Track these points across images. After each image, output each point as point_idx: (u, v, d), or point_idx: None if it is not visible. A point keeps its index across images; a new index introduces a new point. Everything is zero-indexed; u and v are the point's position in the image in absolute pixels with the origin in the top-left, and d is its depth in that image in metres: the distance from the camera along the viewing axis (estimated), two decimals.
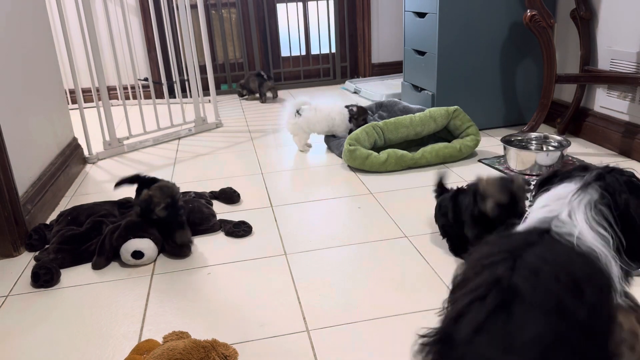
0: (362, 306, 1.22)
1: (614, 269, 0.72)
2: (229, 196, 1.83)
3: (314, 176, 2.06)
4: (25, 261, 1.53)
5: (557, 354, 0.60)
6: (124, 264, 1.48)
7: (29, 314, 1.27)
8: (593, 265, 0.71)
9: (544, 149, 2.04)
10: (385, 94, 3.15)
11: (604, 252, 0.72)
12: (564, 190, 0.80)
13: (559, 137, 2.03)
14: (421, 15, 2.50)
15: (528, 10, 2.13)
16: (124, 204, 1.77)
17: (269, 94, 3.47)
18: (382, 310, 1.20)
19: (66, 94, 2.95)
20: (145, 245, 1.46)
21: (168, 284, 1.37)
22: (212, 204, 1.80)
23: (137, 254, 1.44)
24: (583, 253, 0.71)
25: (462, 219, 1.35)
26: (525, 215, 0.86)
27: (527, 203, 1.26)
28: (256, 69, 3.80)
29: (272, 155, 2.34)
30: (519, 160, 1.94)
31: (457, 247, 1.40)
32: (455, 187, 1.45)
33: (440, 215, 1.44)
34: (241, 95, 3.58)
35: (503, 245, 0.72)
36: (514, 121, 2.54)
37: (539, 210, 0.79)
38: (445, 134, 2.27)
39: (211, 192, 1.87)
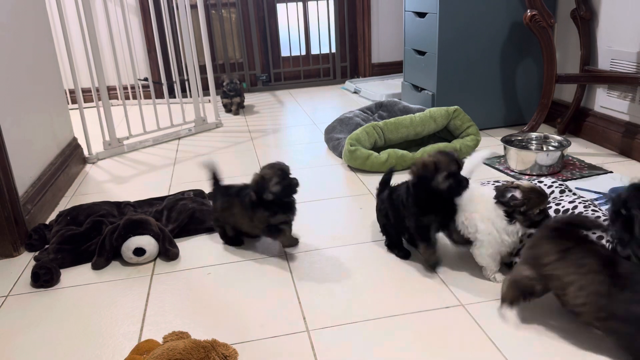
0: (362, 306, 1.22)
1: None
2: None
3: (314, 176, 2.06)
4: (25, 261, 1.53)
5: None
6: (124, 264, 1.48)
7: (29, 314, 1.27)
8: None
9: (544, 149, 2.04)
10: (385, 94, 3.15)
11: None
12: None
13: (559, 137, 2.03)
14: (421, 15, 2.50)
15: (528, 10, 2.12)
16: (122, 203, 1.77)
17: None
18: (382, 310, 1.20)
19: (66, 94, 2.95)
20: (146, 241, 1.46)
21: (168, 284, 1.36)
22: None
23: (139, 251, 1.44)
24: None
25: (402, 215, 1.36)
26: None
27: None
28: (256, 69, 3.80)
29: (272, 155, 2.34)
30: (519, 160, 1.94)
31: (393, 243, 1.45)
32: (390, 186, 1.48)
33: (381, 216, 1.46)
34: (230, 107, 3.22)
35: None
36: (514, 121, 2.54)
37: None
38: (445, 133, 2.27)
39: (209, 193, 1.86)
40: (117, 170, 2.26)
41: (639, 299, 0.95)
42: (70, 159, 2.16)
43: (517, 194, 1.20)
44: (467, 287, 1.26)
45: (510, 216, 1.21)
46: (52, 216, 1.80)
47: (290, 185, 1.42)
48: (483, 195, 1.27)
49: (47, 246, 1.55)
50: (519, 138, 2.08)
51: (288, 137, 2.61)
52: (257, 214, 1.43)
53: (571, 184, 1.79)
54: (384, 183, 1.49)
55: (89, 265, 1.47)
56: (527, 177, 1.90)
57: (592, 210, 1.38)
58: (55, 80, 2.20)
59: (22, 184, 1.69)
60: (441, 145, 2.10)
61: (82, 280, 1.41)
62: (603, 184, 1.79)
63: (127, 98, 3.50)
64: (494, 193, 1.24)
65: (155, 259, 1.49)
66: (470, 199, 1.27)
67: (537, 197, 1.21)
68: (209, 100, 3.24)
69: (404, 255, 1.42)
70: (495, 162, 2.07)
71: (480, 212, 1.24)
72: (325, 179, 2.02)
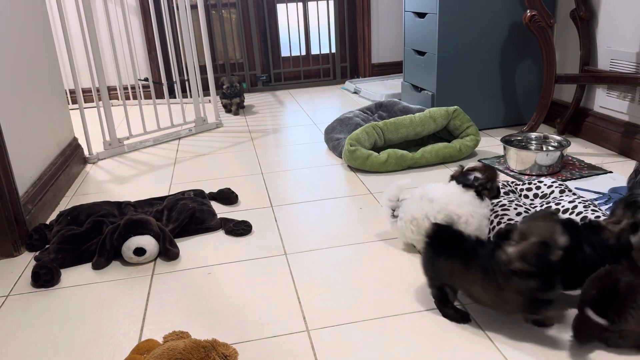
0: (362, 306, 1.22)
1: None
2: (227, 197, 1.84)
3: (314, 176, 2.06)
4: (26, 261, 1.53)
5: None
6: (124, 264, 1.48)
7: (29, 314, 1.27)
8: None
9: (544, 149, 2.05)
10: (385, 94, 3.15)
11: None
12: None
13: (558, 137, 2.03)
14: (421, 15, 2.50)
15: (528, 11, 2.13)
16: (122, 203, 1.77)
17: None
18: (382, 310, 1.20)
19: (66, 94, 2.95)
20: (147, 241, 1.46)
21: (168, 284, 1.37)
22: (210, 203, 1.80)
23: (139, 251, 1.45)
24: None
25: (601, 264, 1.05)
26: None
27: None
28: (256, 69, 3.81)
29: (272, 155, 2.35)
30: (518, 160, 1.94)
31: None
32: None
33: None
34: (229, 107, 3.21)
35: None
36: (514, 121, 2.54)
37: None
38: (445, 134, 2.27)
39: (209, 193, 1.87)
40: (117, 170, 2.26)
41: None
42: (71, 159, 2.16)
43: (478, 174, 1.35)
44: None
45: (480, 194, 1.33)
46: (53, 216, 1.81)
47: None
48: (438, 189, 1.37)
49: (47, 246, 1.56)
50: (519, 138, 2.08)
51: (288, 137, 2.62)
52: (514, 286, 1.00)
53: (571, 184, 1.80)
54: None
55: (89, 265, 1.48)
56: (526, 177, 1.90)
57: (592, 210, 1.39)
58: (56, 80, 2.20)
59: (23, 183, 1.69)
60: (441, 145, 2.10)
61: (82, 280, 1.41)
62: (603, 184, 1.80)
63: (128, 98, 3.50)
64: (444, 186, 1.37)
65: (155, 259, 1.50)
66: (430, 199, 1.36)
67: (492, 170, 1.37)
68: (209, 101, 3.24)
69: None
70: (495, 162, 2.07)
71: (452, 202, 1.33)
72: (325, 179, 2.03)
